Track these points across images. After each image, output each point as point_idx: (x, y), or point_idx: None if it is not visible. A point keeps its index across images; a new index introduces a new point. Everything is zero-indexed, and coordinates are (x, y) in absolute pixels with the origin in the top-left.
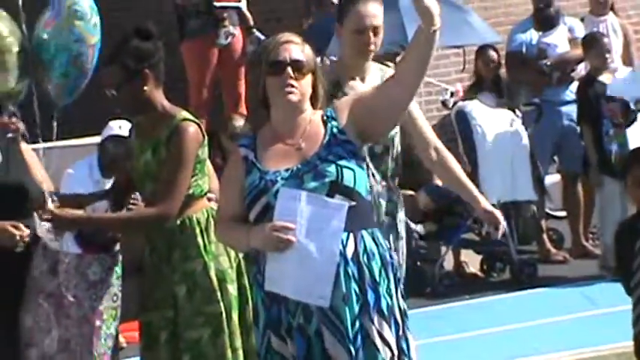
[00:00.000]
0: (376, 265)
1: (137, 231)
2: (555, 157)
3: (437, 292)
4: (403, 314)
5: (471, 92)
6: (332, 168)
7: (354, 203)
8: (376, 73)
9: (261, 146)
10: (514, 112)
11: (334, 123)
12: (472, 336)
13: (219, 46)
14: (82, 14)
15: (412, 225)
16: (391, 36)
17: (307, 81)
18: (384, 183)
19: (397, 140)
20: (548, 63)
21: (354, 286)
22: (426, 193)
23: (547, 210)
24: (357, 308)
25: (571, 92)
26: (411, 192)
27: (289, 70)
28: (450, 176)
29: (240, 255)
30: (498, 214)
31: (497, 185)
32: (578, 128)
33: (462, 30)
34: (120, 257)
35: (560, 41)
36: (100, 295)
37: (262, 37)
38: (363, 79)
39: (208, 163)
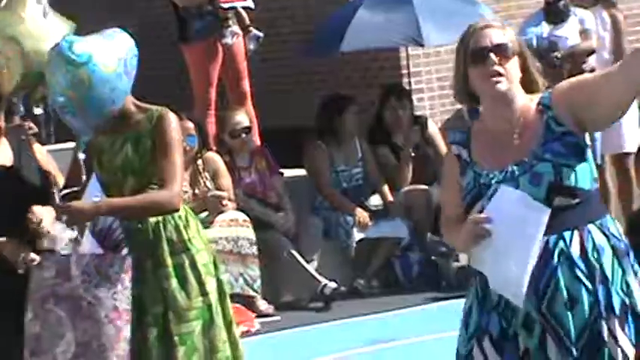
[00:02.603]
0: (607, 260)
1: (151, 214)
2: None
3: (452, 286)
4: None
5: None
6: (549, 168)
7: (576, 201)
8: None
9: (474, 143)
10: None
11: (550, 113)
12: None
13: (226, 46)
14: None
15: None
16: (405, 32)
17: (514, 64)
18: None
19: None
20: (559, 55)
21: (586, 286)
22: (439, 187)
23: None
24: (588, 311)
25: None
26: (424, 187)
27: (492, 56)
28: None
29: (214, 251)
30: None
31: None
32: None
33: None
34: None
35: (571, 34)
36: (122, 295)
37: (260, 35)
38: None
39: (221, 161)
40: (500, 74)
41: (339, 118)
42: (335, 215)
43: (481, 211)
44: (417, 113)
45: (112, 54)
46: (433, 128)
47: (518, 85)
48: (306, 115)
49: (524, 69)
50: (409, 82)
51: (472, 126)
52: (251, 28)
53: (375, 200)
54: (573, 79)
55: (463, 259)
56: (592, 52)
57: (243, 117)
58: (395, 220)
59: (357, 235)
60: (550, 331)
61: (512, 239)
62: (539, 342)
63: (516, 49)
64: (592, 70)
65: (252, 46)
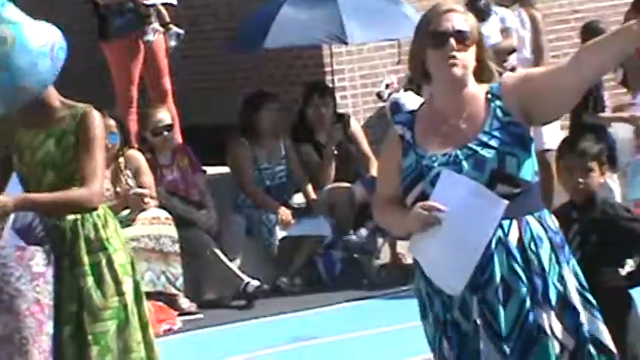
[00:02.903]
0: (544, 252)
1: (70, 212)
2: None
3: (374, 284)
4: (585, 301)
5: (411, 85)
6: (493, 155)
7: (517, 191)
8: None
9: (419, 125)
10: None
11: (498, 103)
12: (410, 327)
13: (148, 43)
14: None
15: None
16: (328, 29)
17: (471, 53)
18: None
19: None
20: None
21: (520, 276)
22: (362, 185)
23: None
24: (521, 301)
25: None
26: (347, 184)
27: (452, 41)
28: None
29: (131, 252)
30: None
31: None
32: None
33: (399, 23)
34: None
35: (492, 32)
36: (44, 288)
37: (181, 32)
38: None
39: (143, 159)
40: (457, 59)
41: (257, 115)
42: (258, 213)
43: (422, 193)
44: (340, 111)
45: (41, 33)
46: (356, 126)
47: (471, 73)
48: (229, 112)
49: (479, 59)
50: (332, 80)
51: (418, 109)
52: (171, 26)
53: (298, 198)
54: (522, 72)
55: (385, 257)
56: (513, 50)
57: (166, 115)
58: (318, 218)
59: (280, 233)
60: (483, 319)
61: (464, 230)
62: (474, 329)
63: (475, 37)
64: (513, 69)
65: (172, 43)
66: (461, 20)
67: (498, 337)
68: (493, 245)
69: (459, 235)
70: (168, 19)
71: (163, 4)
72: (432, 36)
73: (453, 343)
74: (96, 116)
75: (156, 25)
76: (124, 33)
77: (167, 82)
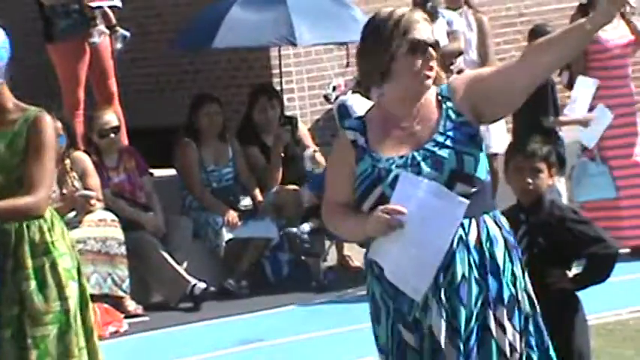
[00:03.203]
0: (499, 251)
1: (16, 220)
2: None
3: (321, 286)
4: (531, 304)
5: (359, 87)
6: (451, 155)
7: (474, 190)
8: None
9: (371, 129)
10: None
11: (449, 104)
12: (357, 329)
13: (93, 45)
14: None
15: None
16: (278, 31)
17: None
18: None
19: None
20: None
21: (475, 275)
22: (309, 188)
23: None
24: (475, 300)
25: None
26: (294, 187)
27: (431, 51)
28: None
29: (78, 256)
30: None
31: None
32: None
33: (348, 26)
34: None
35: (439, 35)
36: None
37: (127, 34)
38: None
39: (89, 161)
40: (432, 70)
41: (197, 116)
42: (204, 215)
43: (381, 197)
44: (288, 113)
45: None
46: (303, 129)
47: None
48: (176, 115)
49: None
50: (280, 82)
51: (366, 113)
52: (118, 28)
53: (245, 200)
54: (471, 72)
55: (332, 259)
56: (460, 53)
57: (112, 117)
58: (265, 220)
59: (227, 236)
60: (442, 316)
61: (427, 232)
62: (429, 327)
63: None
64: (460, 72)
65: (118, 46)
66: (433, 30)
67: (458, 336)
68: (455, 244)
69: (422, 237)
70: (114, 22)
71: (109, 7)
72: (411, 44)
73: (416, 340)
74: (48, 121)
75: (102, 27)
76: (70, 35)
77: (113, 85)
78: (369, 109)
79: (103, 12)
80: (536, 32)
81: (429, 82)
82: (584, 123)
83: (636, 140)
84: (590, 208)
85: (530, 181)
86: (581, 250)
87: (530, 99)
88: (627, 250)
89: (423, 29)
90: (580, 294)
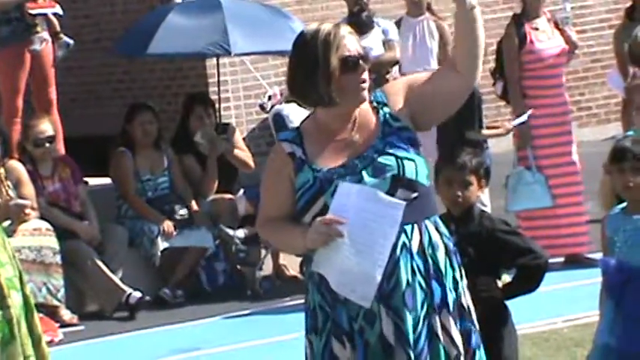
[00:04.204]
0: (441, 256)
1: None
2: None
3: (257, 295)
4: (467, 307)
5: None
6: (391, 161)
7: (415, 195)
8: None
9: (308, 141)
10: None
11: (386, 109)
12: (292, 338)
13: (34, 52)
14: None
15: (231, 231)
16: (212, 38)
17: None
18: None
19: None
20: None
21: (419, 280)
22: (245, 197)
23: None
24: (420, 305)
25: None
26: (230, 196)
27: (363, 64)
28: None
29: (20, 266)
30: None
31: None
32: None
33: (284, 36)
34: None
35: (375, 44)
36: None
37: (70, 42)
38: None
39: (23, 169)
40: (365, 82)
41: (131, 125)
42: (140, 224)
43: (324, 207)
44: (224, 122)
45: None
46: (237, 136)
47: None
48: (111, 123)
49: None
50: (218, 91)
51: (301, 124)
52: (61, 35)
53: (180, 209)
54: (405, 78)
55: (268, 268)
56: (396, 62)
57: (48, 126)
58: (200, 229)
59: (162, 245)
60: (390, 324)
61: (367, 238)
62: (380, 335)
63: None
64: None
65: (60, 54)
66: (358, 42)
67: (406, 341)
68: (398, 251)
69: (363, 243)
70: (58, 29)
71: (53, 14)
72: (344, 62)
73: (358, 352)
74: None
75: (44, 34)
76: (10, 42)
77: (53, 92)
78: (304, 120)
79: (46, 19)
80: None
81: (365, 93)
82: (504, 134)
83: (571, 149)
84: (528, 217)
85: (459, 193)
86: (511, 260)
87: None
88: (562, 260)
89: (353, 42)
90: (514, 302)
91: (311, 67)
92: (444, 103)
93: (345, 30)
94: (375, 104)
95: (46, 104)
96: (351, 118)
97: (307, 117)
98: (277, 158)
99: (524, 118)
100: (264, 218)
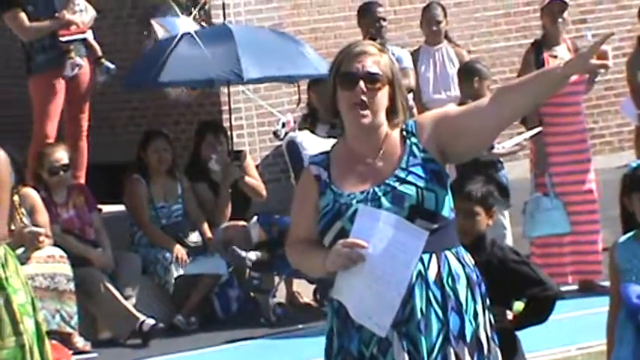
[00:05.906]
0: (462, 288)
1: None
2: None
3: (271, 322)
4: (491, 339)
5: (305, 123)
6: (412, 191)
7: (435, 226)
8: None
9: (335, 165)
10: None
11: (414, 140)
12: None
13: (66, 78)
14: None
15: (243, 252)
16: (225, 65)
17: (383, 94)
18: None
19: None
20: None
21: (436, 311)
22: (259, 224)
23: None
24: (436, 335)
25: None
26: (243, 223)
27: (362, 84)
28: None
29: (33, 292)
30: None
31: None
32: None
33: (296, 61)
34: None
35: None
36: None
37: (112, 67)
38: None
39: (38, 197)
40: (365, 105)
41: (145, 153)
42: (154, 252)
43: (341, 231)
44: (236, 149)
45: None
46: (251, 165)
47: (383, 113)
48: (126, 151)
49: (392, 97)
50: (230, 119)
51: (332, 148)
52: (103, 60)
53: (194, 237)
54: (440, 110)
55: (281, 295)
56: (410, 90)
57: (63, 154)
58: (214, 256)
59: (176, 272)
60: (403, 352)
61: (388, 264)
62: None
63: (388, 77)
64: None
65: (102, 79)
66: (371, 62)
67: None
68: (414, 278)
69: (383, 269)
70: (100, 54)
71: (81, 40)
72: (341, 78)
73: None
74: (3, 156)
75: (77, 59)
76: (45, 69)
77: (84, 119)
78: (335, 145)
79: (87, 44)
80: (464, 70)
81: (365, 120)
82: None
83: (589, 177)
84: (543, 244)
85: (463, 223)
86: (521, 291)
87: None
88: (576, 287)
89: (355, 62)
90: (528, 330)
91: (329, 79)
92: (473, 141)
93: (362, 48)
94: (404, 133)
95: (76, 131)
96: (376, 144)
97: (337, 142)
98: (305, 180)
99: (534, 132)
100: (292, 239)
